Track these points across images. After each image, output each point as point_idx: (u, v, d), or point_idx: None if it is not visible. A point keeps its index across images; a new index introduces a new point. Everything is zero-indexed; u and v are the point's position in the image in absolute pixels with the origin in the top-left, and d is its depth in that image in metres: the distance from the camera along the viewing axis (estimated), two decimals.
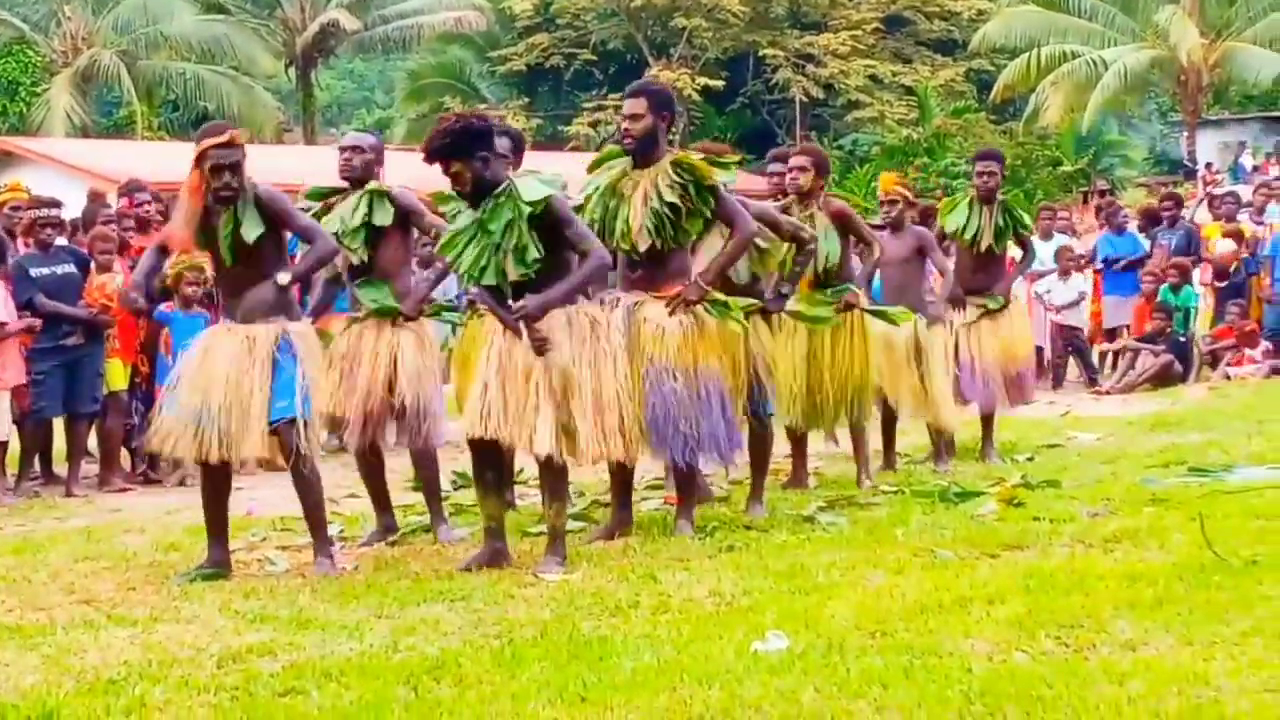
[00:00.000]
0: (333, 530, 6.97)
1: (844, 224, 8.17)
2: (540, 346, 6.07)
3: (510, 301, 6.16)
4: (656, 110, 6.79)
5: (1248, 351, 14.10)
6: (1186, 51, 32.62)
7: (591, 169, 7.06)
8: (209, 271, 9.47)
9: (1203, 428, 10.25)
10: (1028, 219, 9.44)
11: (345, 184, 7.21)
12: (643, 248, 6.71)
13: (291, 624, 5.31)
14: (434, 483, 7.27)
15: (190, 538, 7.11)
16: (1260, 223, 15.88)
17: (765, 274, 7.56)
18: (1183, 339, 14.34)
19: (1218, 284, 14.80)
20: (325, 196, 7.24)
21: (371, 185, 7.13)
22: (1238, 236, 15.03)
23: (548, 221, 6.12)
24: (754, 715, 4.04)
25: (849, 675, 4.30)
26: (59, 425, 9.75)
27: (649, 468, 7.45)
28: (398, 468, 7.83)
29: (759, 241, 7.18)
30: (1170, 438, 9.90)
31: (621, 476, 6.92)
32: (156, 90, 35.45)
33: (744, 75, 39.65)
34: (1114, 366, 14.77)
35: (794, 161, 8.23)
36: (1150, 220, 15.87)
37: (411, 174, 7.44)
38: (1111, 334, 15.17)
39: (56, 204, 10.07)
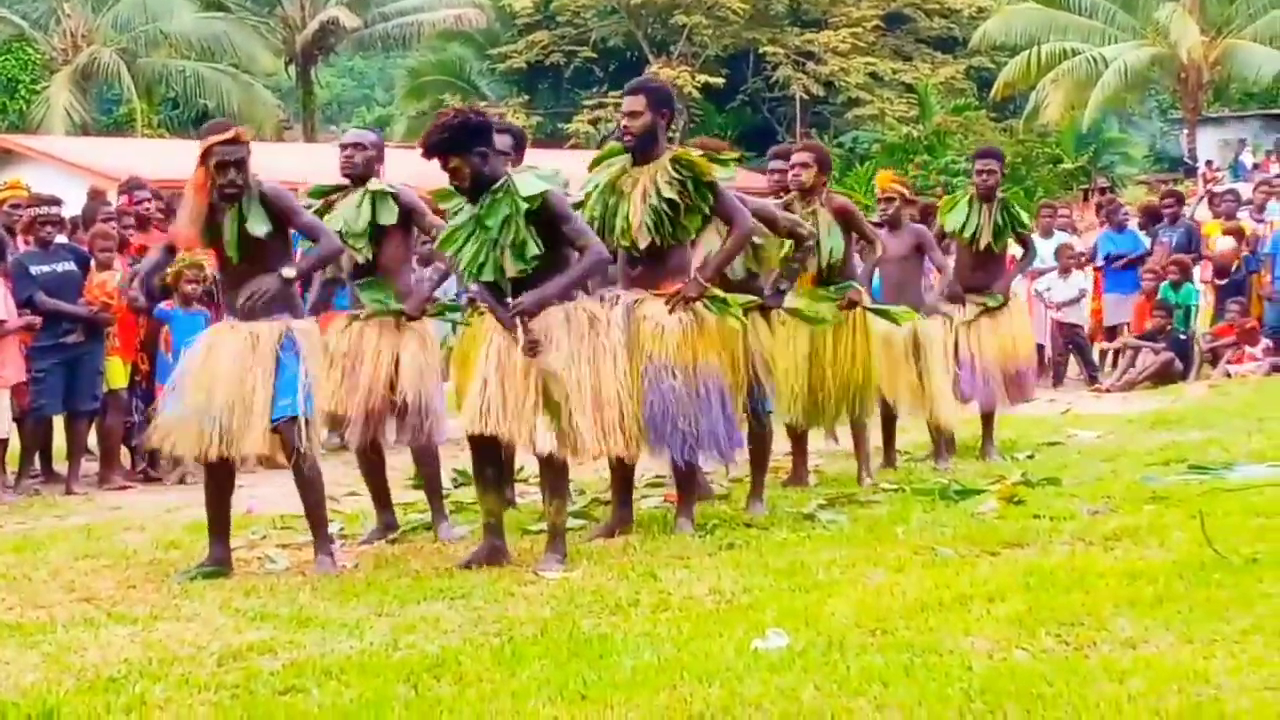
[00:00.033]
0: (333, 528, 6.97)
1: (846, 220, 8.18)
2: (532, 349, 6.06)
3: (509, 299, 6.16)
4: (655, 107, 6.79)
5: (1248, 349, 14.09)
6: (1187, 49, 32.63)
7: (592, 167, 7.06)
8: (209, 269, 9.49)
9: (1203, 425, 10.25)
10: (1026, 217, 9.43)
11: (347, 181, 7.21)
12: (642, 244, 6.71)
13: (292, 622, 5.31)
14: (435, 480, 7.27)
15: (190, 535, 7.11)
16: (1260, 220, 15.88)
17: (764, 271, 7.55)
18: (1183, 337, 14.33)
19: (1218, 282, 14.79)
20: (327, 194, 7.24)
21: (374, 185, 7.14)
22: (1238, 234, 15.03)
23: (545, 217, 6.12)
24: (754, 713, 4.03)
25: (849, 673, 4.30)
26: (59, 423, 9.74)
27: (649, 465, 7.44)
28: (398, 465, 7.83)
29: (755, 239, 7.18)
30: (1170, 435, 9.90)
31: (622, 474, 6.92)
32: (156, 88, 35.45)
33: (744, 73, 39.65)
34: (1114, 364, 14.77)
35: (796, 158, 8.23)
36: (1151, 218, 15.86)
37: (411, 171, 7.44)
38: (1112, 332, 15.16)
39: (56, 202, 10.07)
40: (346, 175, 7.21)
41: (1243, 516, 6.35)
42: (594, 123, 37.21)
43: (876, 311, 8.33)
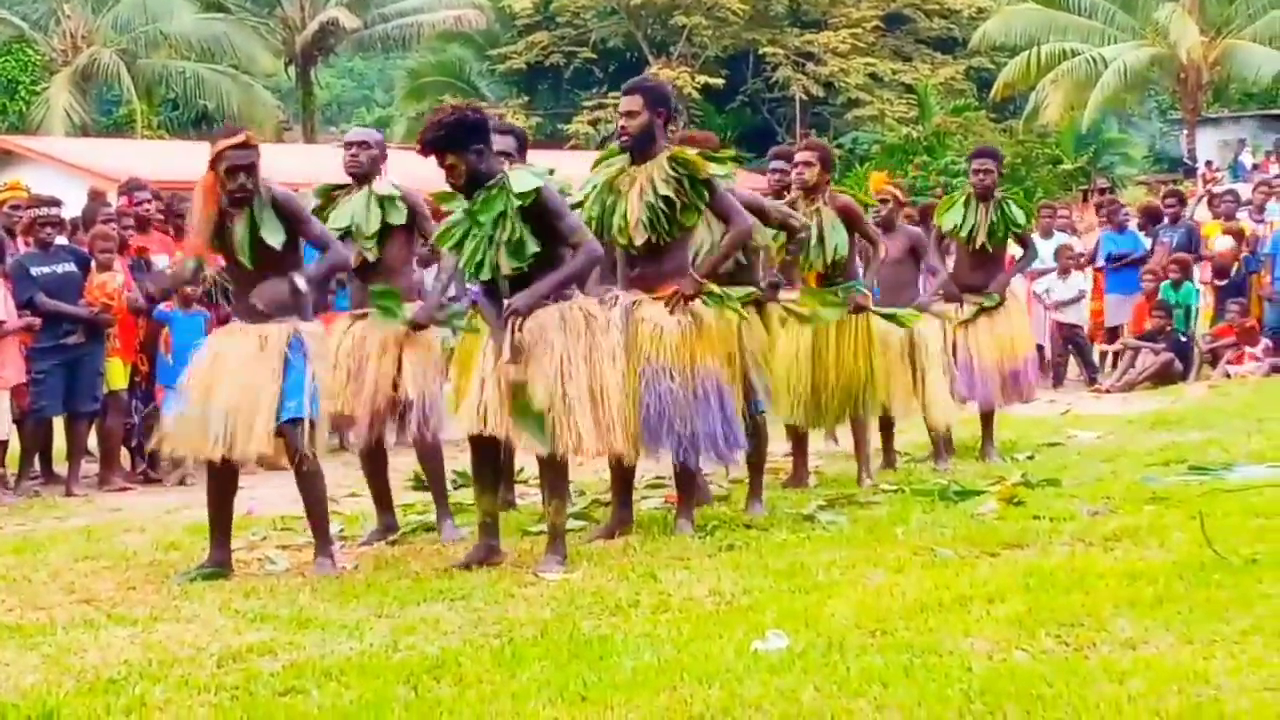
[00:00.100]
0: (333, 529, 6.96)
1: (849, 219, 8.19)
2: (515, 356, 6.06)
3: (506, 298, 6.16)
4: (652, 107, 6.80)
5: (1248, 349, 14.09)
6: (1186, 49, 32.62)
7: (594, 168, 7.07)
8: (208, 271, 9.48)
9: (1203, 426, 10.25)
10: (1022, 217, 9.41)
11: (350, 181, 7.23)
12: (639, 241, 6.71)
13: (292, 623, 5.31)
14: (440, 478, 7.27)
15: (190, 537, 7.11)
16: (1260, 221, 15.88)
17: (758, 262, 7.55)
18: (1183, 337, 14.33)
19: (1218, 282, 14.79)
20: (330, 192, 7.26)
21: (380, 188, 7.15)
22: (1238, 235, 15.02)
23: (538, 213, 6.11)
24: (754, 714, 4.04)
25: (849, 674, 4.30)
26: (59, 424, 9.75)
27: (649, 467, 7.45)
28: (399, 466, 7.83)
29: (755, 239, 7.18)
30: (1170, 436, 9.90)
31: (622, 475, 6.92)
32: (156, 89, 35.43)
33: (744, 73, 39.65)
34: (1114, 365, 14.77)
35: (800, 157, 8.26)
36: (1151, 218, 15.85)
37: (411, 172, 7.44)
38: (1112, 334, 15.15)
39: (56, 203, 10.08)
40: (351, 174, 7.23)
41: (1242, 517, 6.35)
42: (594, 124, 37.18)
43: (885, 315, 8.34)
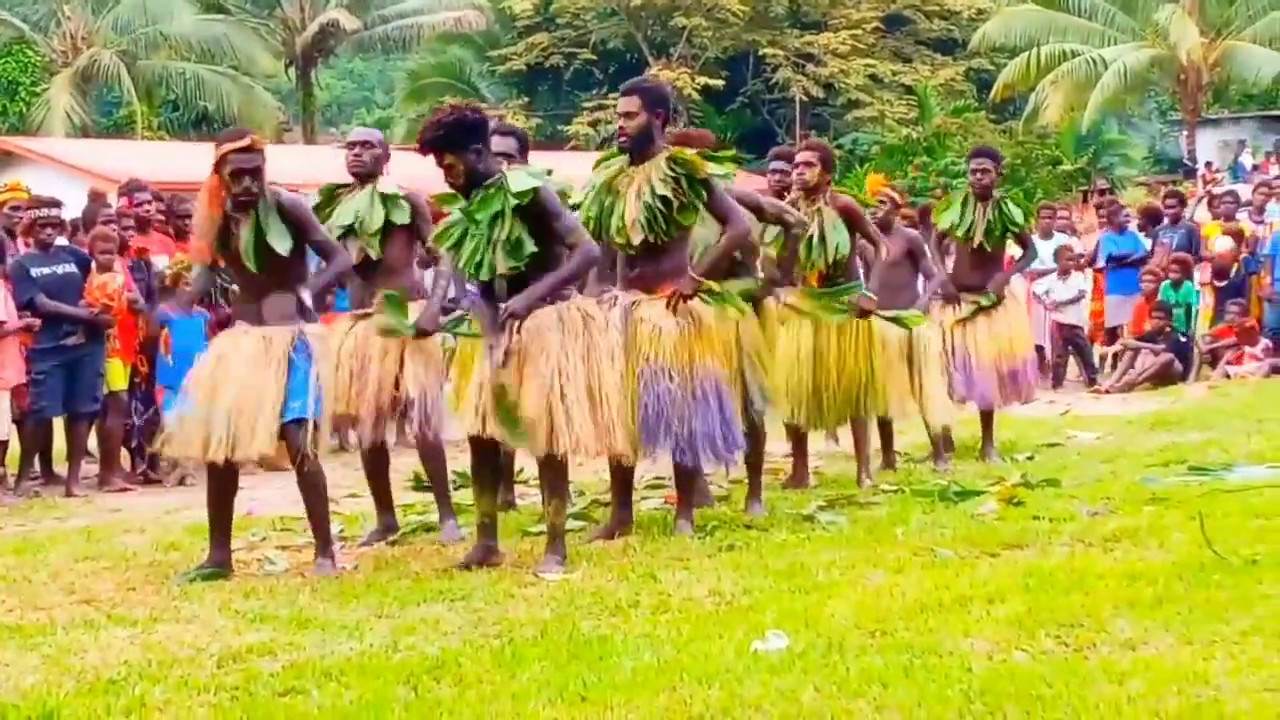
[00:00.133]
0: (333, 530, 6.96)
1: (851, 219, 8.19)
2: (505, 359, 6.06)
3: (504, 298, 6.16)
4: (650, 107, 6.80)
5: (1248, 349, 14.08)
6: (1186, 50, 32.63)
7: (595, 168, 7.08)
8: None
9: (1202, 427, 10.25)
10: (1020, 215, 9.41)
11: (353, 180, 7.23)
12: (635, 240, 6.71)
13: (291, 624, 5.31)
14: (442, 477, 7.27)
15: (190, 537, 7.11)
16: (1260, 222, 15.86)
17: (766, 263, 7.56)
18: (1183, 338, 14.33)
19: (1217, 283, 14.78)
20: (333, 192, 7.27)
21: (384, 187, 7.16)
22: (1237, 235, 15.02)
23: (535, 213, 6.11)
24: (754, 714, 4.04)
25: (849, 674, 4.30)
26: (59, 425, 9.74)
27: (649, 467, 7.45)
28: (400, 466, 7.83)
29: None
30: (1170, 437, 9.90)
31: (621, 475, 6.92)
32: (156, 90, 35.44)
33: (744, 75, 39.66)
34: (1114, 366, 14.77)
35: (801, 157, 8.27)
36: (1151, 219, 15.85)
37: (411, 173, 7.45)
38: (1112, 335, 15.15)
39: (56, 204, 10.07)
40: (354, 173, 7.23)
41: (1242, 518, 6.35)
42: (594, 125, 37.20)
43: (889, 318, 8.34)
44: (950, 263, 9.67)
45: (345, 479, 8.28)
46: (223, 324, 7.98)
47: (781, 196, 8.31)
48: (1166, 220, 15.49)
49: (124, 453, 10.03)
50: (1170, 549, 5.89)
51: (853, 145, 36.71)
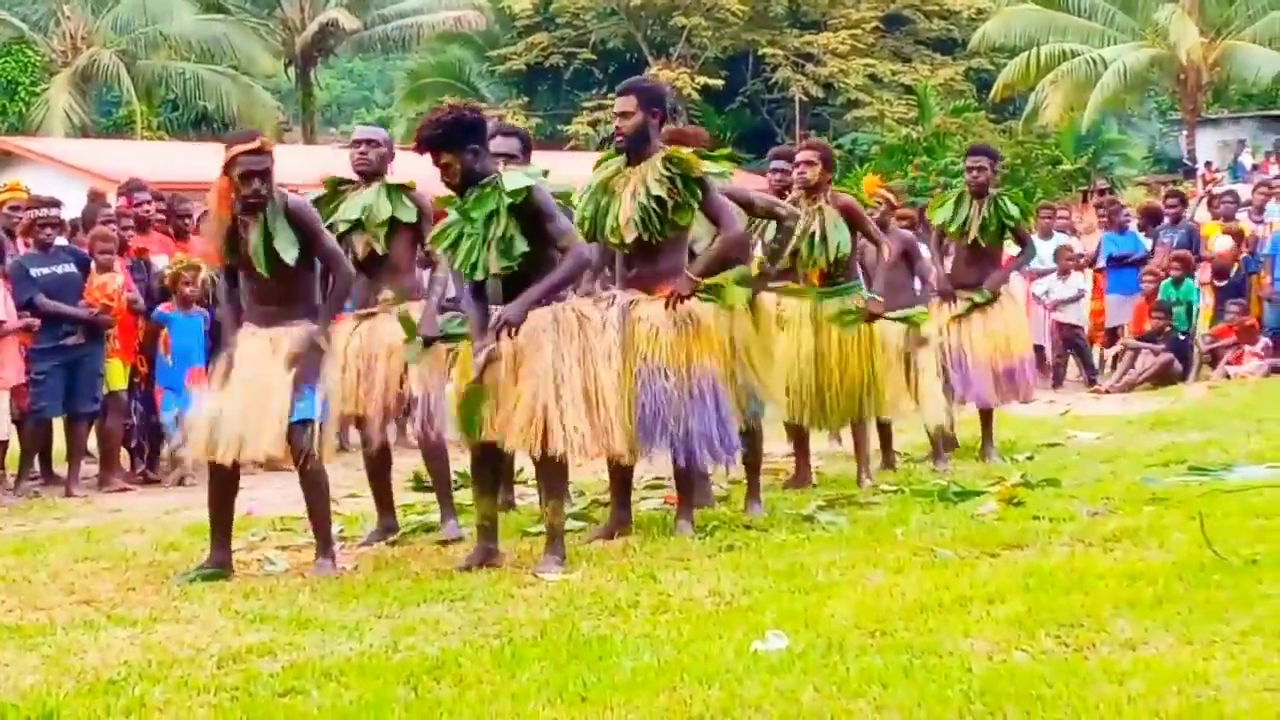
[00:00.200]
0: (333, 530, 6.96)
1: (852, 219, 8.19)
2: (486, 364, 6.05)
3: (498, 299, 6.15)
4: (647, 107, 6.80)
5: (1248, 349, 14.08)
6: (1186, 50, 32.63)
7: (595, 169, 7.08)
8: (205, 271, 9.49)
9: (1202, 426, 10.25)
10: (1017, 211, 9.40)
11: (358, 179, 7.23)
12: (629, 239, 6.71)
13: (291, 624, 5.31)
14: (445, 477, 7.26)
15: (190, 537, 7.11)
16: (1260, 221, 15.86)
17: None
18: (1183, 338, 14.33)
19: (1217, 283, 14.78)
20: (339, 186, 7.26)
21: (392, 182, 7.17)
22: (1237, 235, 15.02)
23: (529, 213, 6.11)
24: (754, 715, 4.04)
25: (849, 675, 4.30)
26: (59, 425, 9.75)
27: (649, 467, 7.45)
28: (401, 467, 7.83)
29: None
30: (1170, 437, 9.90)
31: (621, 476, 6.92)
32: (156, 90, 35.43)
33: (743, 74, 39.66)
34: (1114, 366, 14.77)
35: (802, 156, 8.27)
36: (1151, 219, 15.85)
37: (411, 173, 7.44)
38: (1112, 336, 15.15)
39: (56, 204, 10.08)
40: (360, 171, 7.23)
41: (1242, 518, 6.35)
42: (594, 125, 37.19)
43: (897, 319, 8.34)
44: (949, 263, 9.67)
45: (345, 479, 8.27)
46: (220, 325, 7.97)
47: (782, 196, 8.31)
48: (1167, 220, 15.49)
49: (124, 453, 10.03)
50: (1170, 549, 5.89)
51: (852, 145, 36.70)
